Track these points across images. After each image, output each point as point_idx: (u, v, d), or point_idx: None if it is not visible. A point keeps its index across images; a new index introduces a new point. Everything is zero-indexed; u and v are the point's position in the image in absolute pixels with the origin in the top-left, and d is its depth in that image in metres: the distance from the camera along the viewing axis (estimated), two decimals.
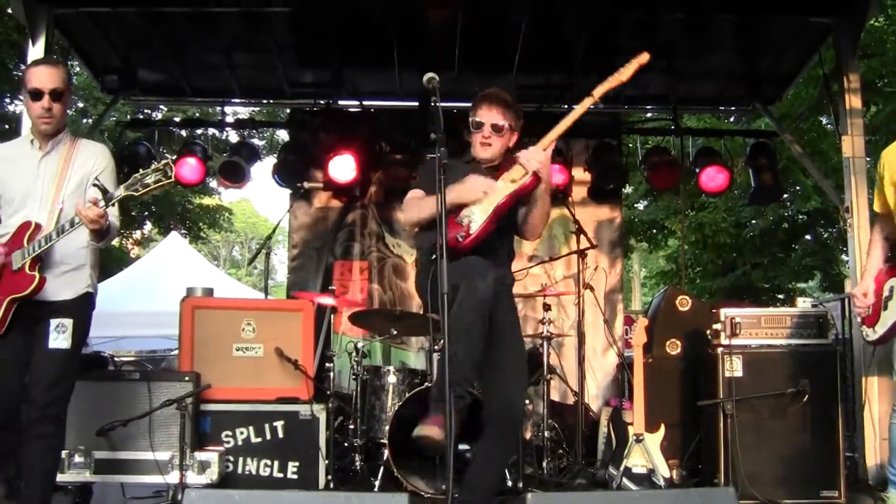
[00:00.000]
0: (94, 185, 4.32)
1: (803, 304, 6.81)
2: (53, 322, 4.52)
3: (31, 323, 4.54)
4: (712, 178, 9.32)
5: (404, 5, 7.51)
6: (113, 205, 4.34)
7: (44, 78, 4.59)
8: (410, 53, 8.23)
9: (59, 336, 4.52)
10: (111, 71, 9.07)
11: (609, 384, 9.34)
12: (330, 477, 6.28)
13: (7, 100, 17.19)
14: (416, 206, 4.53)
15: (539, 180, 4.48)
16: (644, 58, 4.68)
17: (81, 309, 4.68)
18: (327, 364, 6.84)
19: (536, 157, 4.42)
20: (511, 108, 4.61)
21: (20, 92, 5.31)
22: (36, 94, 4.56)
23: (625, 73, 4.62)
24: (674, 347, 7.26)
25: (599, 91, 4.58)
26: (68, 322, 4.55)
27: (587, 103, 4.58)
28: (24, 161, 4.68)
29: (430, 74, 4.08)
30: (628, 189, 18.01)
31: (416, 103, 9.18)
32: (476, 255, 4.31)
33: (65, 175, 4.62)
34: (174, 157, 9.60)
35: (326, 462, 6.29)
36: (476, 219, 4.35)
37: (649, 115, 10.66)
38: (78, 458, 5.79)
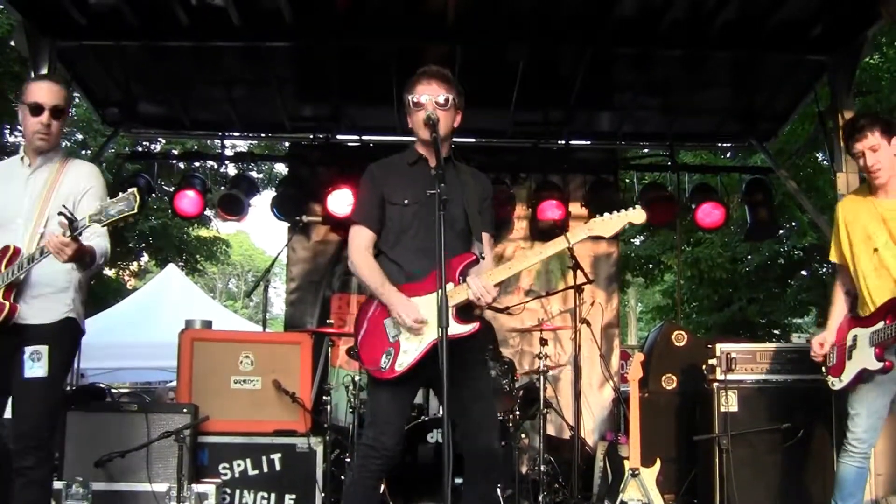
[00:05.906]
0: (60, 213, 3.97)
1: (798, 339, 6.82)
2: (28, 350, 4.25)
3: (9, 350, 4.28)
4: (708, 213, 9.37)
5: (403, 42, 7.58)
6: (80, 233, 4.00)
7: (46, 93, 4.44)
8: None
9: (35, 364, 4.24)
10: (112, 103, 9.13)
11: (605, 419, 9.34)
12: None
13: (7, 130, 17.26)
14: (370, 275, 4.20)
15: (482, 324, 4.21)
16: (638, 218, 4.20)
17: (61, 334, 4.39)
18: (325, 397, 6.87)
19: (490, 291, 4.02)
20: (451, 81, 4.29)
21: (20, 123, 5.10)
22: (36, 109, 4.41)
23: (608, 230, 4.17)
24: (670, 382, 7.28)
25: (575, 238, 4.16)
26: (43, 349, 4.26)
27: (560, 245, 4.16)
28: (13, 179, 4.49)
29: (430, 111, 4.13)
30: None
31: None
32: None
33: (50, 195, 4.40)
34: (173, 189, 9.64)
35: (323, 495, 6.29)
36: (409, 354, 4.05)
37: (646, 150, 10.73)
38: (75, 490, 5.69)
